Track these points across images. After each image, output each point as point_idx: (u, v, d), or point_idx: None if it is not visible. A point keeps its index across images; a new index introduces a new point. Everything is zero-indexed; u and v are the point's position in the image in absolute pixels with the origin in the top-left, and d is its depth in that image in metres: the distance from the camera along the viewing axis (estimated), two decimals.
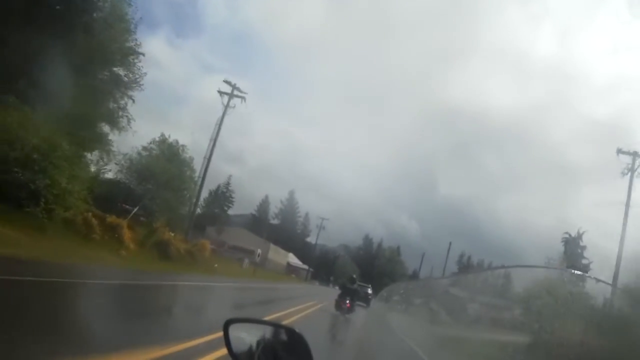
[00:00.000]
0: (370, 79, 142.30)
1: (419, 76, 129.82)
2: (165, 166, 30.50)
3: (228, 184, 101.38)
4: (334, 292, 36.42)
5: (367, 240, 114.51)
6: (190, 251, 26.19)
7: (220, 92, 31.78)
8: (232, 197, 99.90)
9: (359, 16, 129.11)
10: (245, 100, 31.75)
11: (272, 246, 72.88)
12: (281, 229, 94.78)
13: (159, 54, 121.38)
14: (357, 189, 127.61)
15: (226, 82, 31.82)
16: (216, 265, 29.01)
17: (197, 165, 32.34)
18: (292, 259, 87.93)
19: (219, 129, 31.03)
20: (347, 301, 18.58)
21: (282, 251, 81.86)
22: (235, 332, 1.82)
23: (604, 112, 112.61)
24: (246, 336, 1.80)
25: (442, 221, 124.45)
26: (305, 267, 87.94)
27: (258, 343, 1.76)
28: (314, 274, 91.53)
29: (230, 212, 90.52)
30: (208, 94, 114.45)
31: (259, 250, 62.07)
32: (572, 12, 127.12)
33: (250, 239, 64.30)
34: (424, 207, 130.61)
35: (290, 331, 1.79)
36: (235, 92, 31.85)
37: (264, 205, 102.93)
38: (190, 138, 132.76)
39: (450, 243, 63.19)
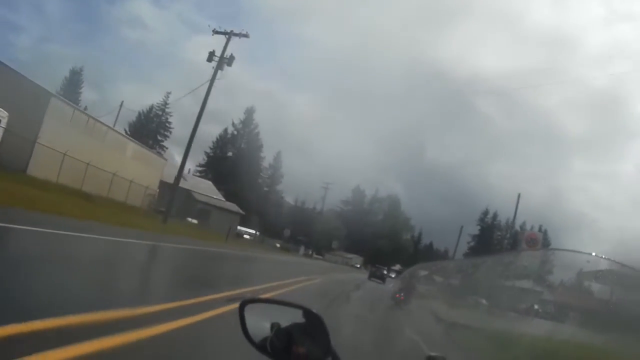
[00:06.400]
0: (359, 42, 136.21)
1: (409, 39, 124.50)
2: None
3: (165, 103, 70.08)
4: None
5: (358, 192, 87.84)
6: None
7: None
8: (169, 124, 71.49)
9: None
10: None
11: (123, 143, 33.81)
12: (233, 165, 67.58)
13: (144, 14, 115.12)
14: (344, 153, 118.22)
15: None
16: None
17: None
18: (216, 197, 52.50)
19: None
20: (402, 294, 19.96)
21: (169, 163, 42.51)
22: (251, 313, 1.67)
23: (598, 80, 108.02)
24: (262, 317, 1.64)
25: (430, 186, 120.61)
26: (257, 226, 59.70)
27: (273, 325, 1.59)
28: (262, 228, 63.51)
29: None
30: (195, 55, 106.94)
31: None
32: None
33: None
34: (410, 171, 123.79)
35: (307, 312, 1.64)
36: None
37: (222, 140, 75.50)
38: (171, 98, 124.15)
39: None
